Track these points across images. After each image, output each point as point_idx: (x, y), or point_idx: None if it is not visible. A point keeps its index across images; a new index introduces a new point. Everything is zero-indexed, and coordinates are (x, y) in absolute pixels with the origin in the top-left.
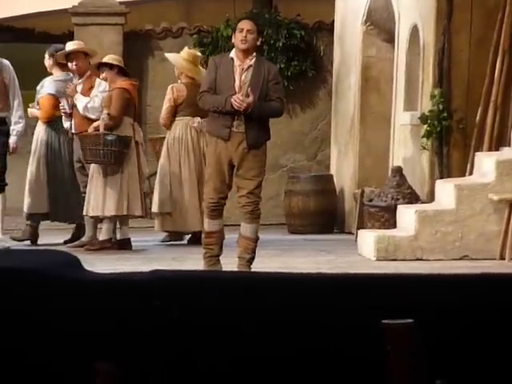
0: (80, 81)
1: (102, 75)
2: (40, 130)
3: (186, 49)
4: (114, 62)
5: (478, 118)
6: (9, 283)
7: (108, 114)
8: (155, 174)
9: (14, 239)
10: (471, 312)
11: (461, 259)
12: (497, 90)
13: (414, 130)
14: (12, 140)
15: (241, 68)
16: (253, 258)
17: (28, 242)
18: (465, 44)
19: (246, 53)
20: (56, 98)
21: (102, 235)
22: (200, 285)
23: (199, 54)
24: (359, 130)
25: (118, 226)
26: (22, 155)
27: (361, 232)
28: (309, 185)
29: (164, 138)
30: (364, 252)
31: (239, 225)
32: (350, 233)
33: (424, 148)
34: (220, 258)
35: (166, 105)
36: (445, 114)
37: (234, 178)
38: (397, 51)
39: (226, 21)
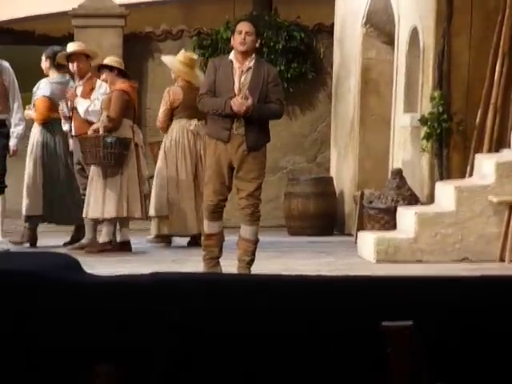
0: (80, 83)
1: (102, 77)
2: (36, 132)
3: (182, 52)
4: (114, 64)
5: (477, 120)
6: (9, 286)
7: (107, 116)
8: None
9: (12, 243)
10: (471, 314)
11: (461, 261)
12: (497, 92)
13: (413, 132)
14: (12, 142)
15: (240, 70)
16: (253, 260)
17: (27, 245)
18: (465, 46)
19: (245, 55)
20: (51, 100)
21: (102, 237)
22: (200, 287)
23: (196, 56)
24: (359, 132)
25: (118, 228)
26: (21, 157)
27: (361, 234)
28: (309, 187)
29: (162, 141)
30: (364, 254)
31: (239, 227)
32: (350, 235)
33: (424, 150)
34: (220, 260)
35: (163, 108)
36: (445, 116)
37: (234, 180)
38: (397, 53)
39: (226, 23)
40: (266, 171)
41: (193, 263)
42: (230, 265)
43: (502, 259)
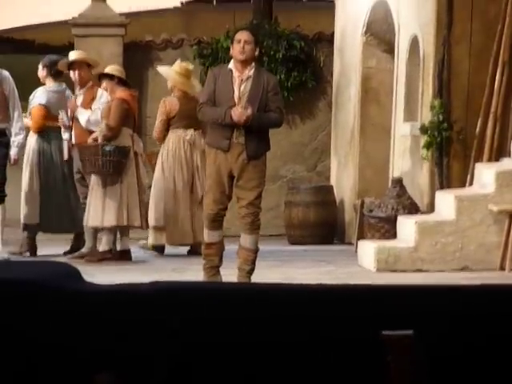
0: (81, 91)
1: (103, 85)
2: (32, 141)
3: (178, 62)
4: (114, 73)
5: (477, 128)
6: (8, 295)
7: (106, 125)
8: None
9: (12, 253)
10: (471, 323)
11: (461, 270)
12: (497, 100)
13: (413, 141)
14: (13, 152)
15: (240, 79)
16: (253, 269)
17: (27, 254)
18: (465, 55)
19: (245, 63)
20: (47, 109)
21: (102, 246)
22: (200, 296)
23: (191, 66)
24: (359, 141)
25: (118, 236)
26: (20, 166)
27: (361, 243)
28: (309, 196)
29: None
30: (364, 263)
31: (239, 236)
32: (350, 243)
33: (424, 159)
34: (220, 269)
35: (159, 118)
36: (445, 125)
37: (234, 189)
38: (397, 62)
39: (226, 32)
40: (266, 180)
41: (193, 272)
42: (230, 274)
43: (502, 268)
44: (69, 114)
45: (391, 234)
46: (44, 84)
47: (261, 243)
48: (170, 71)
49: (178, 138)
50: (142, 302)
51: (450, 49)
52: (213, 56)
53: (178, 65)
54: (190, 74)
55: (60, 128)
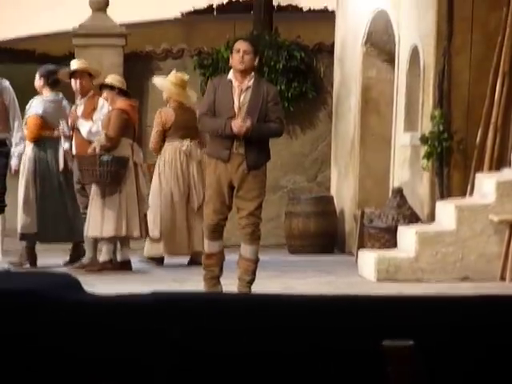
0: (82, 101)
1: (103, 95)
2: (28, 150)
3: (173, 73)
4: (115, 83)
5: (478, 139)
6: (9, 305)
7: (106, 135)
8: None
9: (12, 264)
10: (472, 333)
11: (461, 280)
12: (497, 111)
13: (414, 151)
14: (14, 162)
15: (239, 89)
16: (253, 280)
17: (27, 265)
18: (465, 65)
19: (244, 73)
20: (43, 119)
21: (103, 256)
22: (200, 306)
23: (187, 77)
24: (359, 151)
25: (118, 247)
26: (18, 176)
27: (361, 253)
28: (309, 206)
29: None
30: (364, 273)
31: (239, 246)
32: (351, 254)
33: (424, 169)
34: (220, 279)
35: (155, 129)
36: (445, 135)
37: (234, 199)
38: (397, 72)
39: (227, 43)
40: (267, 190)
41: (193, 282)
42: (230, 284)
43: (502, 278)
44: (69, 123)
45: (391, 244)
46: (41, 94)
47: (261, 253)
48: (165, 82)
49: (174, 148)
50: (142, 312)
51: (451, 59)
52: (213, 66)
53: (174, 75)
54: (185, 85)
55: (56, 138)
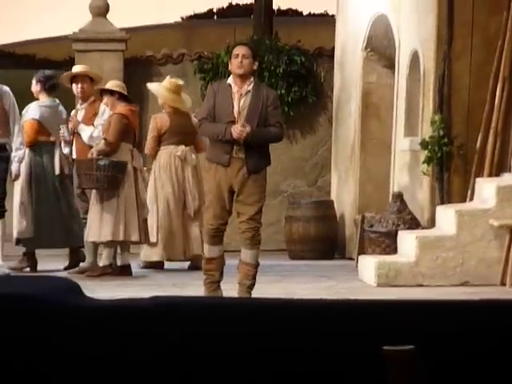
0: (83, 106)
1: (104, 101)
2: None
3: (167, 78)
4: (115, 88)
5: (478, 144)
6: (9, 309)
7: (105, 140)
8: None
9: (12, 269)
10: (472, 338)
11: (461, 285)
12: (497, 116)
13: (414, 156)
14: (14, 167)
15: (239, 94)
16: (253, 284)
17: (27, 270)
18: (465, 70)
19: (244, 78)
20: (40, 124)
21: (103, 261)
22: (200, 311)
23: (181, 82)
24: (359, 155)
25: (118, 251)
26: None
27: (361, 258)
28: (309, 211)
29: None
30: (365, 278)
31: (240, 251)
32: (351, 258)
33: (424, 174)
34: (220, 283)
35: (150, 135)
36: (445, 140)
37: (235, 204)
38: (397, 77)
39: (227, 47)
40: (267, 195)
41: (193, 287)
42: (230, 288)
43: (502, 283)
44: (69, 128)
45: (392, 248)
46: (37, 99)
47: (261, 258)
48: (159, 88)
49: (168, 153)
50: (142, 316)
51: (451, 64)
52: (213, 71)
53: (168, 81)
54: (179, 90)
55: (52, 143)
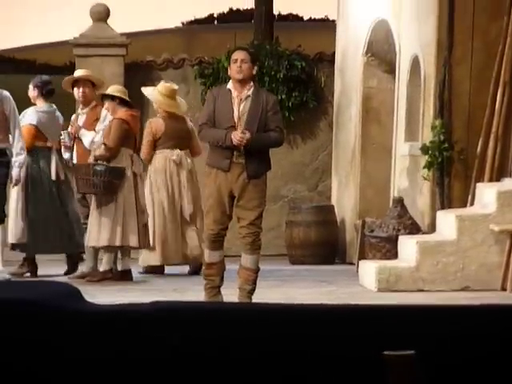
0: (84, 111)
1: (105, 106)
2: None
3: (162, 83)
4: (116, 94)
5: (478, 148)
6: (10, 314)
7: (105, 145)
8: None
9: (12, 274)
10: (472, 343)
11: (462, 290)
12: (498, 121)
13: (414, 161)
14: (15, 172)
15: (239, 98)
16: (254, 289)
17: (28, 274)
18: (465, 75)
19: (243, 83)
20: (37, 129)
21: (103, 266)
22: (201, 316)
23: (176, 87)
24: (360, 160)
25: (119, 256)
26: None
27: (362, 263)
28: (310, 215)
29: None
30: (365, 283)
31: (240, 256)
32: (352, 263)
33: (425, 179)
34: (221, 288)
35: (146, 139)
36: (446, 145)
37: (235, 209)
38: (397, 82)
39: (227, 52)
40: (267, 200)
41: (194, 292)
42: (230, 293)
43: (503, 288)
44: (70, 133)
45: (392, 253)
46: (34, 104)
47: (262, 263)
48: (154, 92)
49: (164, 158)
50: (142, 322)
51: (451, 69)
52: (214, 76)
53: (162, 86)
54: (174, 95)
55: (49, 148)
